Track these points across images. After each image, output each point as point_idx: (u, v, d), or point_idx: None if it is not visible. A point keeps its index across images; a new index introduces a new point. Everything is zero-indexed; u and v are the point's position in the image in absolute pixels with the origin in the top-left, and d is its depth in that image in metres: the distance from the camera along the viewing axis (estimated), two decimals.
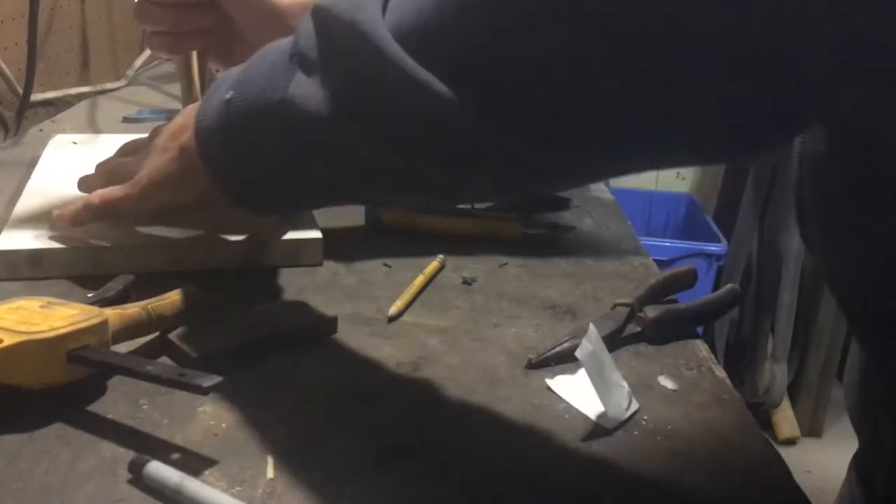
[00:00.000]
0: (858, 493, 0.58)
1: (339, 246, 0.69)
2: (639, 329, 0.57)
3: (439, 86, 0.39)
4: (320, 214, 0.68)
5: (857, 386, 0.54)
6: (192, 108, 0.57)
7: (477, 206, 0.75)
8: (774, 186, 2.29)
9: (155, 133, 0.62)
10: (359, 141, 0.46)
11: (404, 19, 0.40)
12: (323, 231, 0.66)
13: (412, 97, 0.40)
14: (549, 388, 0.50)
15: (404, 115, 0.42)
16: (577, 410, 0.48)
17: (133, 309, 0.50)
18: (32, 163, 0.80)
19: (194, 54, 0.74)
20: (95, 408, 0.46)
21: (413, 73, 0.39)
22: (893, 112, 0.36)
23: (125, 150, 0.67)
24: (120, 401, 0.46)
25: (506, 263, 0.68)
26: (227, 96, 0.51)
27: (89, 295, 0.55)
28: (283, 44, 0.50)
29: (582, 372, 0.47)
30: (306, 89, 0.47)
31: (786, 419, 2.26)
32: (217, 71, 0.77)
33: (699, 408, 0.49)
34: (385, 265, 0.66)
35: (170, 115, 1.09)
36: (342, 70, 0.45)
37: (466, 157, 0.43)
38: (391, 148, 0.45)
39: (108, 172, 0.64)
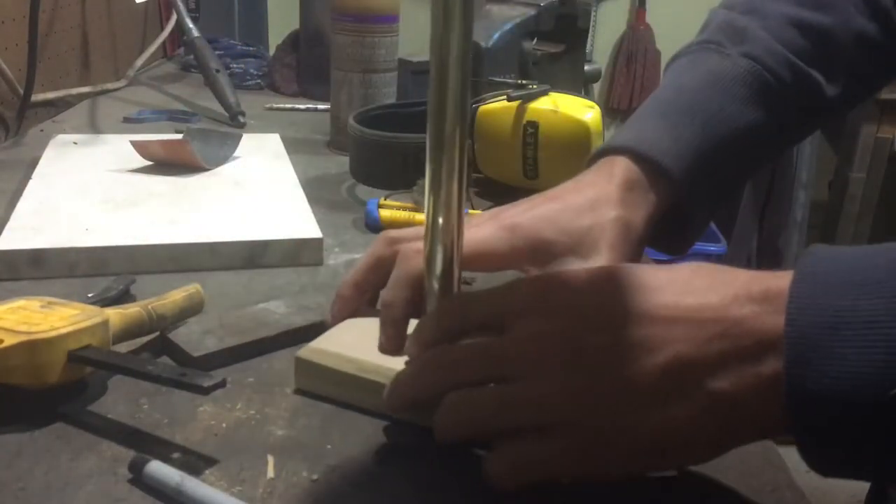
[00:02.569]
0: None
1: (339, 242, 0.69)
2: None
3: None
4: None
5: None
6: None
7: (476, 206, 0.75)
8: (773, 187, 2.30)
9: None
10: None
11: None
12: None
13: None
14: None
15: None
16: None
17: (133, 309, 0.50)
18: (33, 163, 0.81)
19: None
20: (95, 408, 0.46)
21: None
22: None
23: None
24: (120, 401, 0.46)
25: None
26: None
27: (89, 295, 0.56)
28: None
29: None
30: None
31: None
32: None
33: None
34: None
35: (170, 115, 1.09)
36: None
37: None
38: None
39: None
